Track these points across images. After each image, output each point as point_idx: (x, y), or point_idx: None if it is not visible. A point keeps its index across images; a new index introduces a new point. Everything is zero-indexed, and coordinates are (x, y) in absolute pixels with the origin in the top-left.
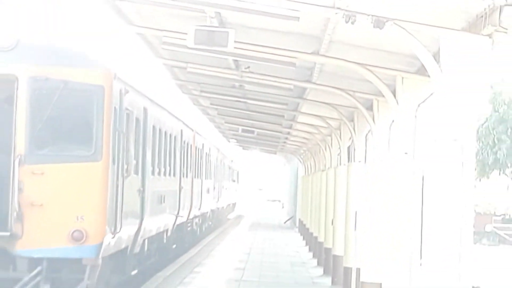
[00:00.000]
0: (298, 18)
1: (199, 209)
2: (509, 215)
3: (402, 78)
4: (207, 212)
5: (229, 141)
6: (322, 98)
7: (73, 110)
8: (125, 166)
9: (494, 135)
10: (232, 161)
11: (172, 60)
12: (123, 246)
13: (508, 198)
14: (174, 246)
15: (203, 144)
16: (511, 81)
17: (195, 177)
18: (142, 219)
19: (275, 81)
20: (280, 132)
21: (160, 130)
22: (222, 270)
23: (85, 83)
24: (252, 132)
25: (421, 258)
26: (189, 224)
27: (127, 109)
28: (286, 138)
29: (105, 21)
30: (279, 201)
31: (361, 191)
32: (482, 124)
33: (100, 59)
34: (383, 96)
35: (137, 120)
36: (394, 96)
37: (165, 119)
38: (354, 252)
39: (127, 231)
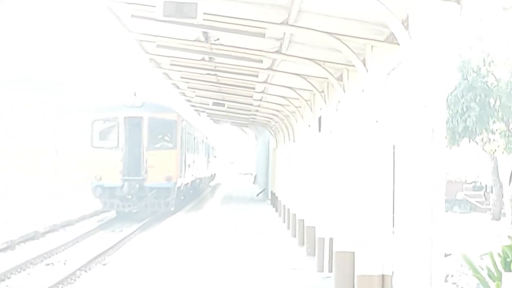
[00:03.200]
0: None
1: (199, 174)
2: (480, 183)
3: (372, 46)
4: (202, 177)
5: (199, 115)
6: (292, 69)
7: (166, 130)
8: (186, 152)
9: (463, 103)
10: (211, 140)
11: (142, 34)
12: (179, 185)
13: (478, 166)
14: (191, 191)
15: (197, 133)
16: (480, 48)
17: (195, 154)
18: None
19: (245, 53)
20: (251, 104)
21: (189, 133)
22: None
23: (170, 119)
24: (223, 105)
25: (393, 226)
26: (196, 182)
27: (182, 128)
28: (257, 111)
29: None
30: (251, 174)
31: (332, 161)
32: (451, 92)
33: (174, 108)
34: (353, 65)
35: (188, 132)
36: (364, 65)
37: (190, 129)
38: (327, 222)
39: (181, 180)
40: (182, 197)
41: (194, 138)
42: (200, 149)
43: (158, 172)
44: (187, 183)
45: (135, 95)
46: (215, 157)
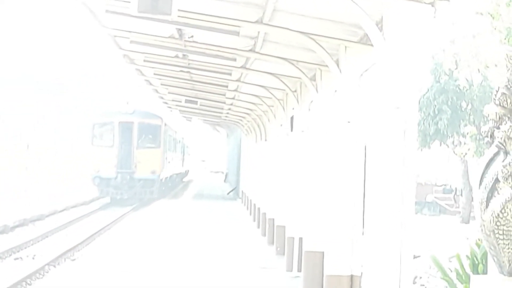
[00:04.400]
0: None
1: (175, 170)
2: (450, 186)
3: (345, 47)
4: (178, 173)
5: (171, 111)
6: (266, 68)
7: (151, 132)
8: (167, 151)
9: (435, 106)
10: (185, 138)
11: (115, 29)
12: (161, 178)
13: (449, 169)
14: (169, 184)
15: (176, 135)
16: (452, 51)
17: (174, 153)
18: (165, 171)
19: (218, 51)
20: (224, 102)
21: (169, 135)
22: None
23: (155, 124)
24: (196, 102)
25: (363, 227)
26: (174, 176)
27: (167, 132)
28: (230, 109)
29: None
30: (222, 172)
31: (304, 161)
32: (424, 95)
33: (159, 114)
34: (327, 65)
35: (169, 135)
36: (337, 65)
37: (170, 131)
38: (297, 222)
39: (163, 174)
40: (163, 188)
41: (173, 139)
42: (177, 148)
43: (145, 166)
44: (167, 177)
45: (127, 103)
46: (189, 155)
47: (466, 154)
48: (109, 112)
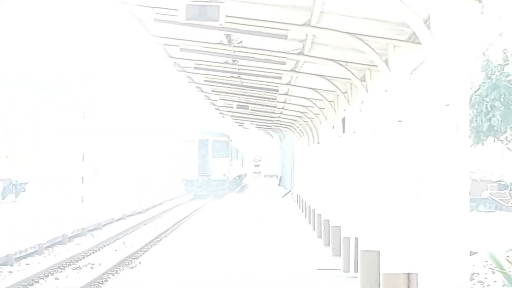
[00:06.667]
0: None
1: (238, 172)
2: (505, 181)
3: (394, 46)
4: (240, 175)
5: (223, 117)
6: (315, 70)
7: (222, 147)
8: (233, 159)
9: (488, 102)
10: (242, 147)
11: (164, 37)
12: (230, 179)
13: (503, 165)
14: (235, 183)
15: (238, 146)
16: (500, 46)
17: (236, 160)
18: (231, 174)
19: (267, 55)
20: (275, 106)
21: (233, 147)
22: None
23: (224, 140)
24: (247, 107)
25: (418, 225)
26: (236, 177)
27: (232, 145)
28: (281, 113)
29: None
30: (276, 176)
31: (356, 162)
32: (475, 92)
33: (226, 132)
34: (376, 65)
35: (232, 147)
36: (387, 65)
37: (234, 144)
38: (352, 222)
39: (230, 176)
40: (231, 186)
41: (236, 150)
42: (238, 156)
43: (218, 171)
44: (233, 178)
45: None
46: (245, 161)
47: None
48: (192, 134)
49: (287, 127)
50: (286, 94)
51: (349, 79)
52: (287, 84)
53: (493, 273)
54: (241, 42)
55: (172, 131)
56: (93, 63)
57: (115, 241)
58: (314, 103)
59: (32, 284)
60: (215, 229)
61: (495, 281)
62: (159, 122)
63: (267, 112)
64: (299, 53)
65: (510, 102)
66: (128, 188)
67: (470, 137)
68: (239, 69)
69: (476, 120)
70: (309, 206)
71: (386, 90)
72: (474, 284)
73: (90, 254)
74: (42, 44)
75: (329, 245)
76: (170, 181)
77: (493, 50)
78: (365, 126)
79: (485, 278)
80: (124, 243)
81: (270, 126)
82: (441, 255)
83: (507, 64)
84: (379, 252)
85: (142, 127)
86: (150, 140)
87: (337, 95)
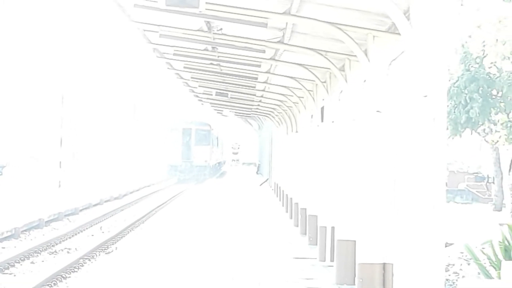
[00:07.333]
0: None
1: (218, 159)
2: (482, 173)
3: (374, 36)
4: (220, 161)
5: (202, 104)
6: (295, 59)
7: (204, 135)
8: (213, 147)
9: (466, 94)
10: (221, 135)
11: (145, 23)
12: (211, 165)
13: (481, 157)
14: (214, 169)
15: (218, 134)
16: (478, 37)
17: (216, 147)
18: (212, 160)
19: (247, 43)
20: (254, 94)
21: (214, 135)
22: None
23: (206, 129)
24: (226, 95)
25: (394, 215)
26: (216, 164)
27: (213, 134)
28: (260, 101)
29: None
30: (255, 164)
31: (334, 151)
32: (454, 83)
33: (208, 121)
34: (355, 55)
35: (214, 136)
36: (366, 55)
37: (215, 132)
38: (329, 212)
39: (211, 162)
40: (211, 171)
41: (216, 138)
42: (218, 144)
43: (200, 157)
44: (213, 164)
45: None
46: (224, 148)
47: (497, 141)
48: (176, 122)
49: (265, 115)
50: (265, 82)
51: (329, 68)
52: (266, 72)
53: (468, 264)
54: (221, 29)
55: (158, 119)
56: (72, 48)
57: (92, 226)
58: (293, 92)
59: (8, 268)
60: (193, 215)
61: (469, 273)
62: (142, 109)
63: (246, 100)
64: (278, 42)
65: (488, 94)
66: (109, 174)
67: (448, 128)
68: (218, 56)
69: (454, 112)
70: (287, 195)
71: (365, 80)
72: (449, 275)
73: (66, 239)
74: (22, 27)
75: (305, 234)
76: (155, 166)
77: (472, 42)
78: (343, 116)
79: (460, 269)
80: (101, 228)
81: (249, 114)
82: (416, 246)
83: (485, 56)
84: (355, 241)
85: (125, 114)
86: (135, 127)
87: (316, 84)
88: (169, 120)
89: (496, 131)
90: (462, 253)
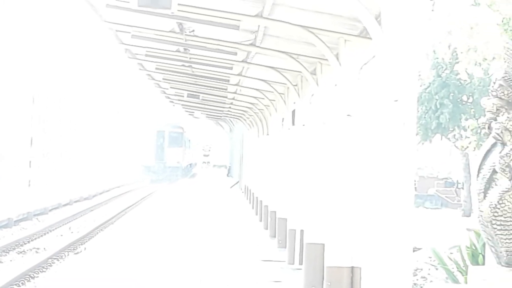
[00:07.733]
0: None
1: (190, 161)
2: (451, 179)
3: (345, 40)
4: (191, 163)
5: (173, 106)
6: (267, 62)
7: (177, 137)
8: (186, 149)
9: (437, 100)
10: (193, 137)
11: (116, 23)
12: (183, 166)
13: (451, 162)
14: (187, 170)
15: (190, 137)
16: (449, 43)
17: (189, 149)
18: (184, 161)
19: (219, 45)
20: (226, 97)
21: (187, 138)
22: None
23: (179, 132)
24: (198, 97)
25: (363, 219)
26: (188, 165)
27: (185, 136)
28: (232, 104)
29: None
30: (225, 167)
31: (305, 154)
32: (425, 89)
33: (181, 124)
34: (327, 59)
35: (186, 138)
36: (337, 59)
37: (187, 135)
38: (298, 215)
39: (184, 163)
40: (184, 172)
41: (189, 140)
42: (191, 147)
43: (173, 158)
44: (186, 165)
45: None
46: (195, 151)
47: (467, 147)
48: (151, 126)
49: (237, 118)
50: (237, 84)
51: (300, 72)
52: (238, 74)
53: (437, 269)
54: (193, 31)
55: (132, 120)
56: (43, 48)
57: (61, 226)
58: (264, 95)
59: None
60: (163, 216)
61: (436, 277)
62: (115, 110)
63: (217, 102)
64: (250, 44)
65: (458, 100)
66: (80, 174)
67: (418, 134)
68: (190, 58)
69: (425, 117)
70: (257, 198)
71: (336, 84)
72: (417, 279)
73: (35, 239)
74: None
75: (275, 236)
76: (129, 166)
77: (442, 48)
78: (314, 119)
79: (428, 274)
80: (70, 228)
81: (221, 116)
82: (384, 250)
83: (457, 62)
84: (324, 245)
85: (98, 116)
86: (108, 128)
87: (288, 87)
88: (143, 122)
89: (466, 137)
90: (430, 258)
